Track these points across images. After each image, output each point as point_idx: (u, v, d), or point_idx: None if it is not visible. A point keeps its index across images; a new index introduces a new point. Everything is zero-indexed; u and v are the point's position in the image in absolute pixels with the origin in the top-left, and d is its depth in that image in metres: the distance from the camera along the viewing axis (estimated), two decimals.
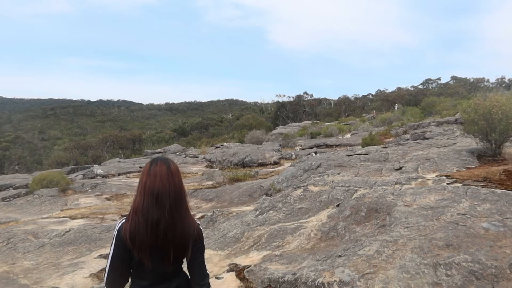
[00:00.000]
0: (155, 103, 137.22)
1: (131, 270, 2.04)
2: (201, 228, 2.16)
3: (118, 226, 2.00)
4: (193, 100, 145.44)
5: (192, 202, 10.90)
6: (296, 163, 11.40)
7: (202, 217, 8.66)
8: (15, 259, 7.01)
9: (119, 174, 17.22)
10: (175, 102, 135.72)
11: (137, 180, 11.38)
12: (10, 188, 15.03)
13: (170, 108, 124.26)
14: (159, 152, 25.69)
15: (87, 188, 13.79)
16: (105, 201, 12.07)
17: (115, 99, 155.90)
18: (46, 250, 7.42)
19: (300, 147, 21.33)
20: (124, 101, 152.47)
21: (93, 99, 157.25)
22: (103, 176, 16.85)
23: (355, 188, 6.50)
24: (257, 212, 6.42)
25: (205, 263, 2.13)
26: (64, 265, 6.61)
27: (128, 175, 17.05)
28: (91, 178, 16.84)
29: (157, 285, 2.03)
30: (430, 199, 5.13)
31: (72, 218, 9.62)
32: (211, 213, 7.55)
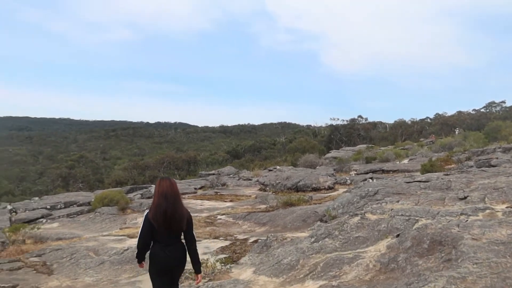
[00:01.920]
0: (210, 125, 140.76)
1: (153, 237, 3.68)
2: (190, 213, 3.87)
3: (145, 213, 3.73)
4: (246, 123, 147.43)
5: (245, 226, 10.91)
6: (352, 189, 11.10)
7: (255, 241, 8.62)
8: (77, 275, 7.35)
9: None
10: (229, 125, 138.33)
11: (193, 201, 11.63)
12: (74, 205, 15.93)
13: (224, 131, 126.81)
14: (213, 174, 26.18)
15: (145, 208, 14.29)
16: None
17: (172, 121, 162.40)
18: (105, 267, 7.71)
19: (355, 172, 20.79)
20: (181, 123, 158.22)
21: (152, 121, 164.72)
22: None
23: (416, 218, 6.17)
24: (313, 239, 6.28)
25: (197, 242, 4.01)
26: (122, 283, 6.82)
27: (183, 195, 17.48)
28: (148, 198, 17.44)
29: (167, 246, 3.70)
30: (501, 233, 4.75)
31: (130, 236, 9.95)
32: (265, 238, 7.48)
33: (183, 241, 3.84)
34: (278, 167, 27.36)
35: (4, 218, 13.56)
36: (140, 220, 12.68)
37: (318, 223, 7.97)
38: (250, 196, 16.39)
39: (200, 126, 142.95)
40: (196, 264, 3.95)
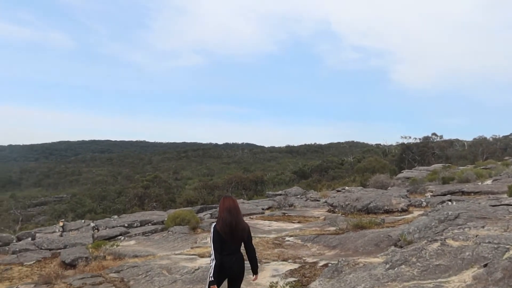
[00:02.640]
0: (276, 145, 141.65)
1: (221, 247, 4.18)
2: (249, 226, 4.50)
3: (213, 226, 4.32)
4: (312, 143, 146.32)
5: (314, 248, 10.64)
6: (429, 211, 10.39)
7: (325, 265, 8.35)
8: None
9: (243, 215, 17.85)
10: (295, 145, 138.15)
11: (260, 221, 11.66)
12: (149, 224, 16.70)
13: (290, 151, 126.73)
14: (280, 194, 26.10)
15: None
16: None
17: (239, 142, 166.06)
18: (177, 286, 7.90)
19: (431, 194, 19.51)
20: (248, 144, 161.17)
21: (220, 142, 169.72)
22: None
23: (507, 246, 5.57)
24: (387, 266, 5.91)
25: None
26: None
27: (251, 216, 17.56)
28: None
29: (231, 255, 4.20)
30: None
31: (201, 256, 10.15)
32: (336, 262, 7.21)
33: (242, 251, 4.45)
34: (346, 187, 26.59)
35: (87, 235, 14.59)
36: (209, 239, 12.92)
37: (392, 248, 7.53)
38: (318, 217, 16.03)
39: (266, 146, 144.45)
40: (255, 269, 4.57)
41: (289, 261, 9.28)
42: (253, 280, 4.74)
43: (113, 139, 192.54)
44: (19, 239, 15.11)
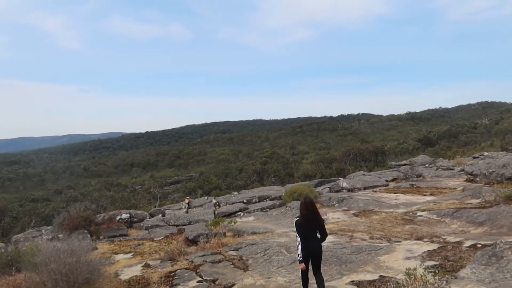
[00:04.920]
0: (395, 113, 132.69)
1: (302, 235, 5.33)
2: (323, 219, 5.61)
3: (295, 220, 5.47)
4: (437, 107, 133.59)
5: (454, 225, 9.02)
6: None
7: (473, 246, 6.84)
8: (270, 273, 7.09)
9: (364, 188, 16.55)
10: (417, 111, 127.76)
11: (385, 194, 10.28)
12: (267, 199, 16.51)
13: (411, 118, 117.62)
14: (405, 164, 23.81)
15: (334, 202, 13.64)
16: (352, 217, 11.51)
17: (355, 113, 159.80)
18: (297, 266, 7.25)
19: None
20: (364, 114, 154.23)
21: (334, 114, 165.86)
22: (349, 190, 16.53)
23: None
24: None
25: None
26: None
27: (374, 189, 16.17)
28: (337, 191, 16.80)
29: (310, 239, 5.30)
30: None
31: None
32: (491, 245, 5.73)
33: (318, 236, 5.44)
34: (485, 153, 23.05)
35: (209, 211, 14.98)
36: (330, 215, 12.04)
37: None
38: (455, 188, 13.92)
39: (385, 115, 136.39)
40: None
41: (425, 240, 7.93)
42: None
43: (232, 120, 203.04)
44: (151, 216, 16.28)
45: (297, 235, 5.34)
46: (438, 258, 6.53)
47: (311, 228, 5.33)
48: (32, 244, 8.92)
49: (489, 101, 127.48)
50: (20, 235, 14.92)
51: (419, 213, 10.53)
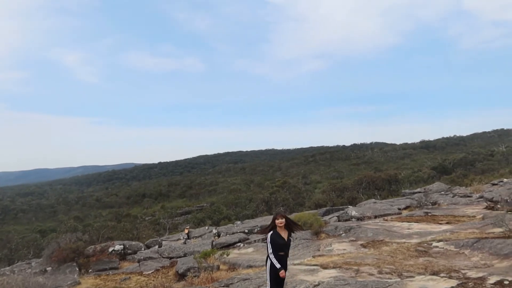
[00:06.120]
0: (409, 142, 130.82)
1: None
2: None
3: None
4: (452, 135, 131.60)
5: (475, 257, 7.90)
6: None
7: (500, 283, 5.76)
8: None
9: (375, 217, 15.41)
10: (431, 139, 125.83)
11: (397, 223, 9.01)
12: None
13: (426, 146, 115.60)
14: (419, 192, 22.55)
15: (341, 232, 12.54)
16: (360, 248, 10.42)
17: (368, 142, 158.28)
18: None
19: None
20: (377, 143, 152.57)
21: (347, 143, 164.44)
22: (358, 219, 15.40)
23: None
24: None
25: None
26: None
27: (385, 217, 15.01)
28: (346, 220, 15.67)
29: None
30: None
31: (324, 267, 8.34)
32: None
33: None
34: (505, 179, 21.75)
35: (207, 242, 13.98)
36: (336, 246, 10.90)
37: None
38: (474, 216, 12.74)
39: (398, 143, 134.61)
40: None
41: (442, 275, 6.84)
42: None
43: (244, 150, 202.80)
44: (148, 247, 15.34)
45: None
46: None
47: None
48: (3, 280, 8.12)
49: (505, 128, 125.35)
50: (7, 268, 14.10)
51: (434, 243, 9.41)
